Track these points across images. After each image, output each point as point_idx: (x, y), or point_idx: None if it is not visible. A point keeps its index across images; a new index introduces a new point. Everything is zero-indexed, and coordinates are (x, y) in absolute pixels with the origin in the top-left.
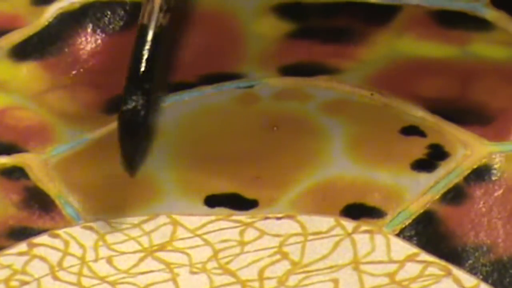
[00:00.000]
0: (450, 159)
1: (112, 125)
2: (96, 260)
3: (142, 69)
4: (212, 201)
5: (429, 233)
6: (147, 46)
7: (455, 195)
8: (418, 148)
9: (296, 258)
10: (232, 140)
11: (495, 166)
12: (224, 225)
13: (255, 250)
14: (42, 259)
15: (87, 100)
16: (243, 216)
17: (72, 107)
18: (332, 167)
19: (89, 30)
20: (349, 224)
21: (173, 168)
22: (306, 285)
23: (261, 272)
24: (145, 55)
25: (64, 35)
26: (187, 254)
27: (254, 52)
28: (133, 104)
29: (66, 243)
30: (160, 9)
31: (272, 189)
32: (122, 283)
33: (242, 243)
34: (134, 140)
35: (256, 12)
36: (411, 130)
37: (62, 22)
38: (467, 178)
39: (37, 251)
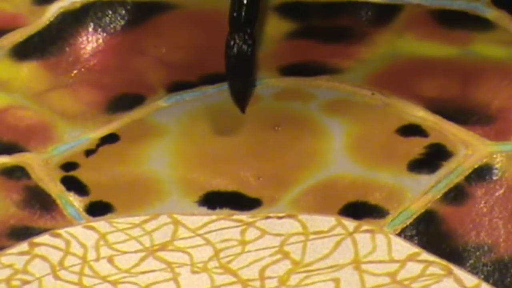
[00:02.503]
0: (451, 159)
1: (113, 125)
2: (97, 260)
3: (243, 14)
4: (214, 201)
5: (430, 233)
6: None
7: (456, 194)
8: (419, 148)
9: (297, 257)
10: (233, 139)
11: (496, 165)
12: (225, 225)
13: (256, 250)
14: (43, 258)
15: (88, 99)
16: (244, 216)
17: (73, 107)
18: (333, 167)
19: (90, 29)
20: (350, 224)
21: (175, 168)
22: (307, 284)
23: (262, 271)
24: (245, 0)
25: (65, 35)
26: (188, 253)
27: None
28: (237, 48)
29: (67, 243)
30: None
31: (273, 189)
32: (123, 282)
33: (243, 243)
34: (242, 81)
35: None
36: (412, 130)
37: (63, 21)
38: (468, 178)
39: (38, 250)
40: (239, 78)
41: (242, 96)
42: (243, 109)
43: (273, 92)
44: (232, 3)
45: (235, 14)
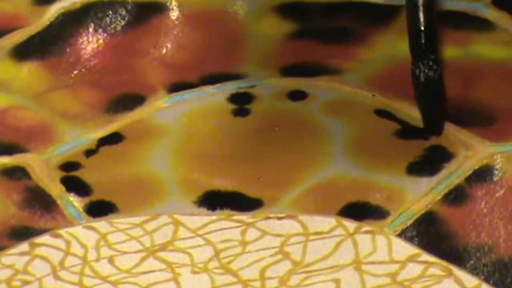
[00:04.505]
0: (452, 160)
1: (114, 125)
2: (97, 260)
3: (423, 41)
4: (214, 201)
5: (430, 234)
6: (421, 19)
7: (457, 196)
8: (419, 149)
9: (298, 258)
10: (233, 140)
11: (497, 166)
12: (226, 225)
13: (257, 250)
14: (44, 259)
15: (88, 99)
16: (244, 216)
17: (74, 107)
18: (334, 168)
19: (90, 30)
20: (350, 225)
21: (175, 168)
22: (308, 285)
23: (262, 272)
24: (422, 27)
25: (65, 35)
26: (189, 254)
27: (255, 53)
28: (424, 76)
29: (68, 243)
30: None
31: (274, 189)
32: (124, 283)
33: (243, 243)
34: (435, 107)
35: (258, 12)
36: (412, 131)
37: (64, 22)
38: (468, 179)
39: (38, 251)
40: (432, 105)
41: (436, 122)
42: (439, 134)
43: (273, 92)
44: (410, 31)
45: (415, 42)
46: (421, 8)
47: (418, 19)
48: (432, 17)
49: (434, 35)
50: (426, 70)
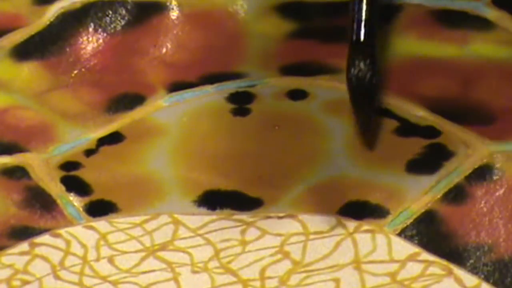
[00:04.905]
0: (452, 159)
1: (114, 125)
2: (97, 260)
3: (363, 35)
4: (214, 200)
5: (430, 233)
6: (364, 12)
7: (457, 194)
8: (419, 148)
9: (298, 257)
10: (233, 139)
11: (497, 165)
12: (226, 225)
13: (257, 250)
14: (44, 258)
15: (88, 99)
16: (244, 216)
17: (74, 107)
18: (333, 167)
19: (90, 29)
20: (350, 224)
21: (175, 168)
22: (308, 284)
23: (262, 271)
24: (364, 20)
25: (65, 35)
26: (189, 253)
27: (255, 52)
28: (358, 69)
29: (68, 243)
30: None
31: (274, 188)
32: (124, 282)
33: (243, 243)
34: (366, 105)
35: (258, 12)
36: (412, 130)
37: (64, 21)
38: (468, 178)
39: (38, 250)
40: (362, 102)
41: (367, 128)
42: (369, 143)
43: (273, 91)
44: (351, 25)
45: (354, 36)
46: (364, 3)
47: (360, 14)
48: (375, 13)
49: (374, 32)
50: (362, 66)
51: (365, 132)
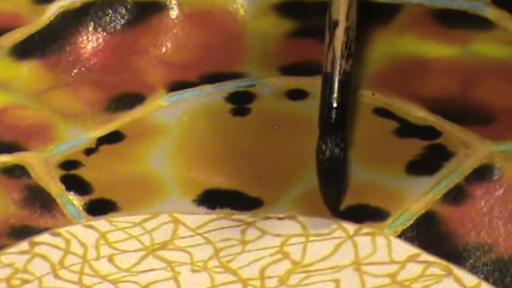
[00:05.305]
0: (451, 159)
1: (113, 124)
2: (97, 259)
3: (334, 117)
4: (214, 200)
5: (430, 234)
6: (334, 94)
7: (456, 195)
8: (418, 149)
9: (297, 258)
10: (233, 139)
11: (496, 165)
12: (226, 224)
13: (256, 249)
14: (44, 257)
15: (88, 98)
16: (244, 216)
17: (74, 106)
18: None
19: (90, 28)
20: (350, 227)
21: (175, 167)
22: (308, 284)
23: (262, 271)
24: (334, 103)
25: (65, 34)
26: (188, 252)
27: (255, 51)
28: (330, 152)
29: (68, 242)
30: (342, 56)
31: (274, 189)
32: (124, 281)
33: (243, 242)
34: (335, 185)
35: (258, 11)
36: (412, 130)
37: (64, 20)
38: (468, 178)
39: (38, 249)
40: (332, 182)
41: (335, 200)
42: (336, 213)
43: (273, 91)
44: (322, 105)
45: (325, 117)
46: (336, 85)
47: (332, 95)
48: (347, 95)
49: (346, 113)
50: (333, 147)
51: (330, 202)
